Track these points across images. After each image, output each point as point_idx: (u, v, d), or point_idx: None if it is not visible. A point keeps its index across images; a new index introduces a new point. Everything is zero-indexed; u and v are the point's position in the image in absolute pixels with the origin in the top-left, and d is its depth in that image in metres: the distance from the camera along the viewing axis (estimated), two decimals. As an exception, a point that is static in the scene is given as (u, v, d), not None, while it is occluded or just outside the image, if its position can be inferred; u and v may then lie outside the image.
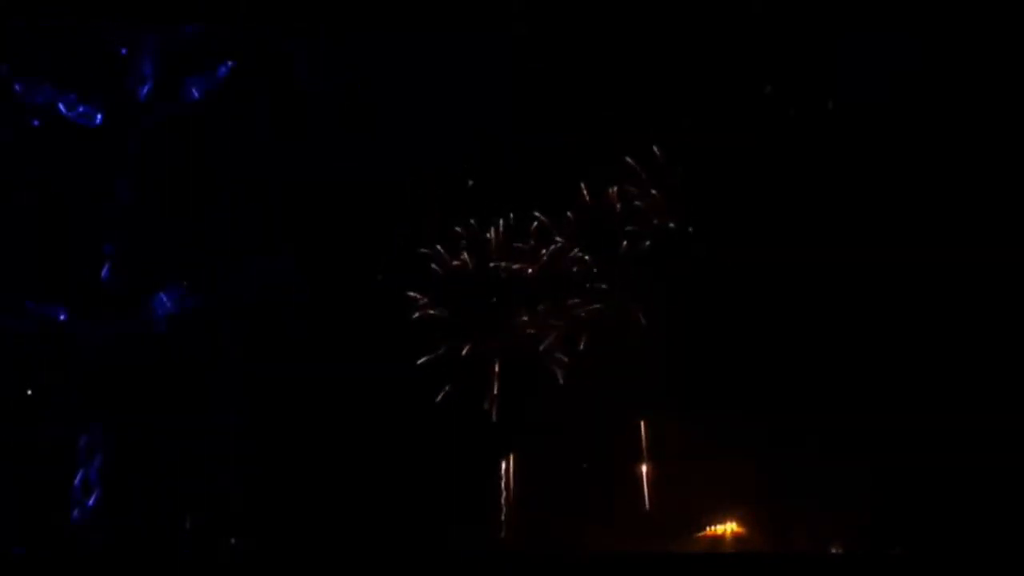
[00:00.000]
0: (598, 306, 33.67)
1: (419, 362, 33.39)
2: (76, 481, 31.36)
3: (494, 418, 33.63)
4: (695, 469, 32.59)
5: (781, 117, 33.05)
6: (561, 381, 33.35)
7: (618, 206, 33.83)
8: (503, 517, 33.48)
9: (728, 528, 34.00)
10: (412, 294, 33.94)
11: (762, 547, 33.15)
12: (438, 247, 34.13)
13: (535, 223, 34.06)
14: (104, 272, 32.09)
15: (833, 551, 32.10)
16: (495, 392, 33.64)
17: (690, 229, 33.55)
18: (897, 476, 31.51)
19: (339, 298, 33.32)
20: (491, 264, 34.14)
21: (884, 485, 31.60)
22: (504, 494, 33.67)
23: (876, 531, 31.88)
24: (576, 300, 33.77)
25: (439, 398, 33.24)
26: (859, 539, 32.04)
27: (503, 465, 33.85)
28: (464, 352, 33.63)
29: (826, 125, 32.86)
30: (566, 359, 33.44)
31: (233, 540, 31.87)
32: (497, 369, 33.77)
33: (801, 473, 31.88)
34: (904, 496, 31.65)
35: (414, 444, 32.58)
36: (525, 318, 33.87)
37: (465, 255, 34.13)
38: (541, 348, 33.66)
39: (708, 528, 34.06)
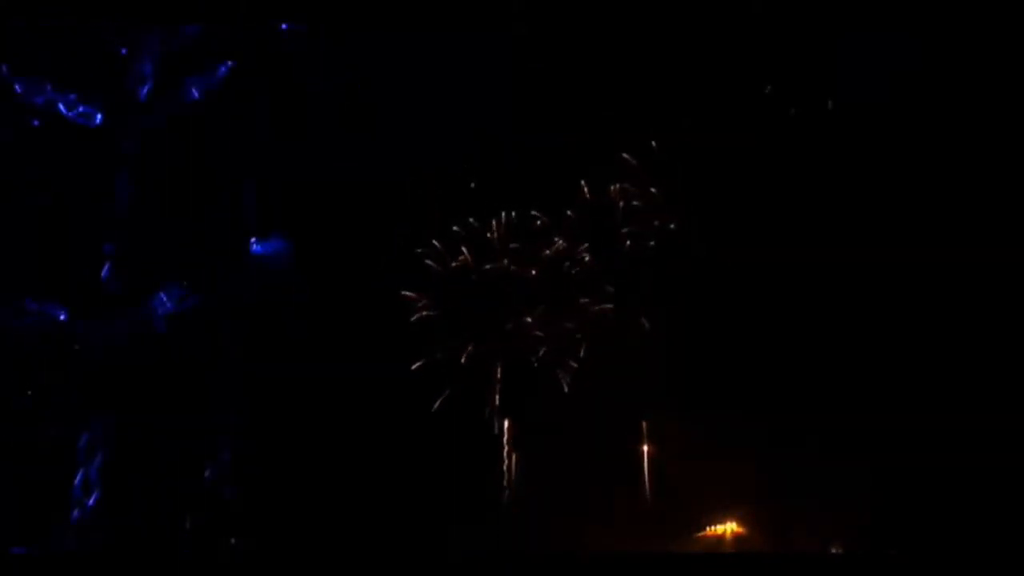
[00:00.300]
0: (600, 306, 33.65)
1: (413, 367, 33.34)
2: (76, 481, 31.37)
3: (496, 430, 33.58)
4: (695, 469, 32.59)
5: (781, 117, 33.06)
6: (566, 389, 33.31)
7: (620, 205, 33.82)
8: (503, 517, 33.48)
9: (728, 528, 34.01)
10: (407, 294, 33.88)
11: (762, 547, 33.15)
12: (436, 244, 34.12)
13: (536, 223, 34.02)
14: (104, 272, 32.12)
15: (833, 551, 32.09)
16: (496, 403, 33.57)
17: (690, 230, 33.53)
18: (897, 476, 31.50)
19: (339, 298, 33.27)
20: (489, 266, 34.11)
21: (884, 485, 31.59)
22: (504, 494, 33.66)
23: (876, 531, 31.86)
24: (577, 301, 33.74)
25: (436, 405, 33.18)
26: (859, 539, 32.03)
27: (504, 465, 33.83)
28: (463, 359, 33.59)
29: (826, 125, 32.85)
30: (573, 364, 33.38)
31: (233, 540, 31.84)
32: (499, 375, 33.71)
33: (801, 473, 31.87)
34: (903, 496, 31.64)
35: (414, 444, 32.59)
36: (529, 319, 33.84)
37: (465, 255, 34.11)
38: (541, 353, 33.60)
39: (708, 528, 34.06)
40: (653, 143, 33.30)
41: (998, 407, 30.65)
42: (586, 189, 33.90)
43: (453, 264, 34.12)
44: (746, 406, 32.00)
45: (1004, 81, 31.51)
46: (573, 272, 33.84)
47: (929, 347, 31.56)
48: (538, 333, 33.62)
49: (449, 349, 33.63)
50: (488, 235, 34.11)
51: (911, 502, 31.58)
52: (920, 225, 31.63)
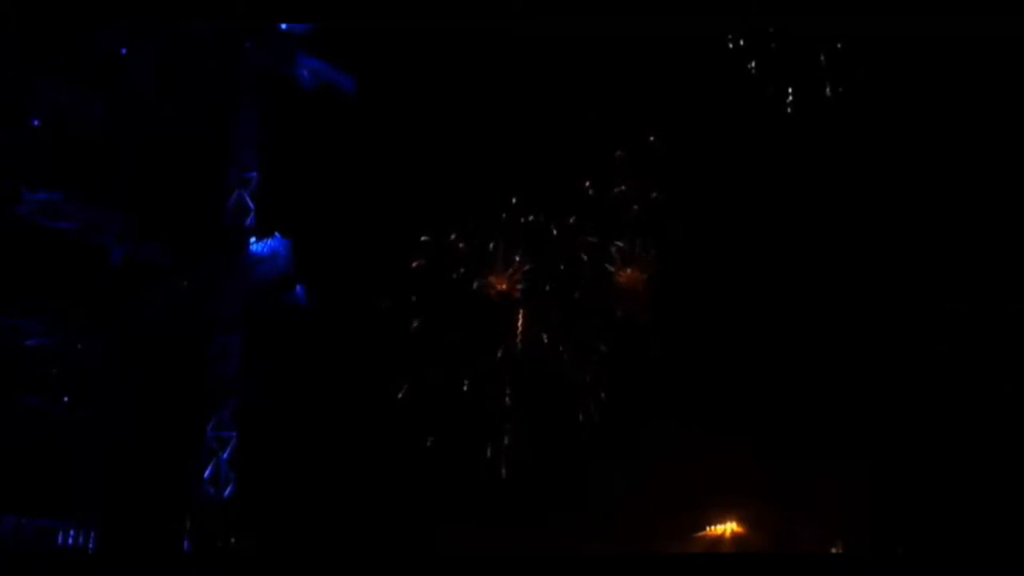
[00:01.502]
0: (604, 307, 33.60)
1: (399, 395, 33.26)
2: (76, 481, 31.32)
3: (503, 474, 33.34)
4: (695, 469, 32.61)
5: (781, 115, 33.14)
6: (582, 418, 33.25)
7: (619, 207, 33.84)
8: (503, 515, 33.44)
9: (728, 528, 34.06)
10: (391, 299, 33.74)
11: (762, 547, 33.19)
12: (434, 249, 34.07)
13: (535, 226, 34.00)
14: (105, 270, 32.09)
15: (833, 551, 32.13)
16: (505, 442, 33.39)
17: (690, 229, 33.58)
18: (897, 476, 31.57)
19: (337, 299, 33.28)
20: (492, 276, 34.01)
21: (884, 485, 31.65)
22: (504, 492, 33.65)
23: (876, 531, 31.92)
24: (584, 305, 33.66)
25: (429, 443, 33.09)
26: (859, 539, 32.08)
27: (504, 465, 33.81)
28: (465, 387, 33.51)
29: (825, 125, 32.93)
30: (602, 395, 33.16)
31: (233, 540, 31.81)
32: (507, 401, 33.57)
33: (801, 473, 31.92)
34: (904, 496, 31.70)
35: (413, 445, 32.63)
36: (545, 338, 33.72)
37: (463, 267, 34.01)
38: (547, 365, 33.48)
39: (708, 528, 34.11)
40: (653, 143, 33.33)
41: (997, 407, 30.74)
42: (587, 192, 33.86)
43: (454, 276, 33.98)
44: (746, 406, 32.07)
45: (1004, 81, 31.63)
46: (579, 287, 33.66)
47: (930, 347, 31.64)
48: (562, 353, 33.40)
49: (447, 374, 33.45)
50: (490, 244, 33.95)
51: (911, 502, 31.63)
52: (919, 224, 31.75)
